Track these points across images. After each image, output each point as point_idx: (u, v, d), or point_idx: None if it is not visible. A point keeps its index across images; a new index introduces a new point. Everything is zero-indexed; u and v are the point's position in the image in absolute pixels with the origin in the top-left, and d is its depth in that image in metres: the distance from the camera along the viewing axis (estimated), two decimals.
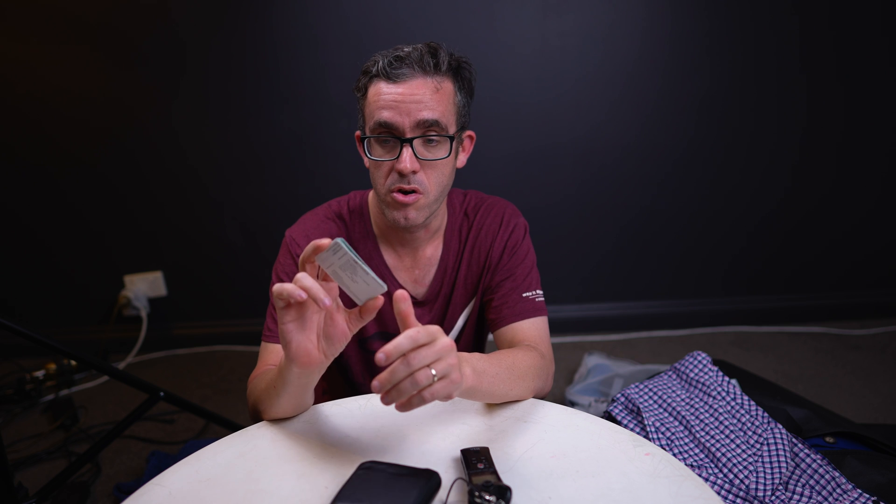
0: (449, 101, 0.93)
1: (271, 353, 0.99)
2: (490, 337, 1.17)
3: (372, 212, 1.07)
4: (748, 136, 2.15)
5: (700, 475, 1.00)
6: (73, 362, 2.11)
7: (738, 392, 1.15)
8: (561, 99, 2.10)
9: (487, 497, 0.63)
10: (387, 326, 1.09)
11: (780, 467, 1.01)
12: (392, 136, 0.91)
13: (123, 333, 2.33)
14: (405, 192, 0.93)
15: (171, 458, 1.59)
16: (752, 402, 1.13)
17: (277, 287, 0.68)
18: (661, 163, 2.17)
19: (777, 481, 1.00)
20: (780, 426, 1.07)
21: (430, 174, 0.94)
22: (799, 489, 0.98)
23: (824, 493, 0.97)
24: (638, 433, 1.03)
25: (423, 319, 1.09)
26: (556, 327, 2.28)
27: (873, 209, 2.22)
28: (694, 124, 2.13)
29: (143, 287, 2.31)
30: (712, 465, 1.03)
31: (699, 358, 1.21)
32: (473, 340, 1.18)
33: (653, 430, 1.08)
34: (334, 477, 0.72)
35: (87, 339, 2.31)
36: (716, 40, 2.04)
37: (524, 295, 1.05)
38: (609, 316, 2.34)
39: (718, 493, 0.98)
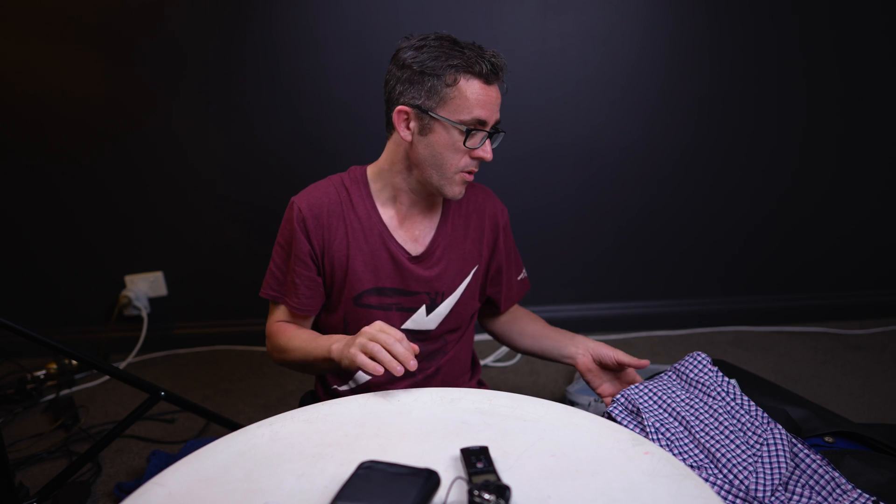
0: None
1: (282, 311, 1.19)
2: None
3: (373, 181, 1.17)
4: (748, 136, 2.15)
5: (700, 476, 1.00)
6: (74, 362, 2.11)
7: (738, 392, 1.15)
8: (561, 99, 2.10)
9: (487, 496, 0.63)
10: (381, 281, 1.16)
11: (779, 468, 1.01)
12: (483, 130, 1.07)
13: (124, 333, 2.33)
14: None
15: (172, 458, 1.59)
16: (752, 403, 1.13)
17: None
18: (660, 163, 2.17)
19: (777, 482, 1.00)
20: (780, 426, 1.07)
21: None
22: (798, 489, 0.98)
23: (824, 493, 0.97)
24: (638, 433, 1.03)
25: (419, 272, 1.17)
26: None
27: (873, 209, 2.22)
28: (694, 124, 2.13)
29: (144, 287, 2.31)
30: (712, 466, 1.03)
31: (699, 358, 1.21)
32: (471, 308, 1.27)
33: (652, 430, 1.08)
34: (334, 477, 0.72)
35: (88, 339, 2.31)
36: (716, 40, 2.04)
37: (519, 278, 1.32)
38: (609, 316, 2.34)
39: (718, 494, 0.98)
